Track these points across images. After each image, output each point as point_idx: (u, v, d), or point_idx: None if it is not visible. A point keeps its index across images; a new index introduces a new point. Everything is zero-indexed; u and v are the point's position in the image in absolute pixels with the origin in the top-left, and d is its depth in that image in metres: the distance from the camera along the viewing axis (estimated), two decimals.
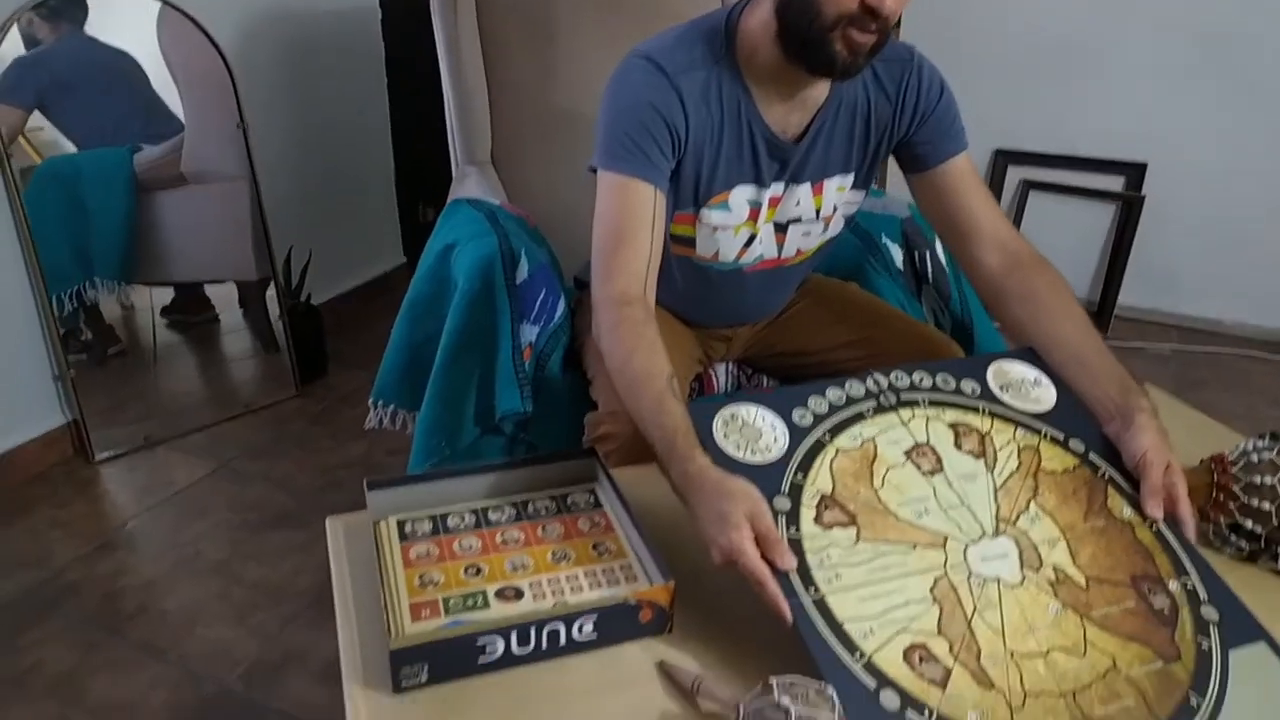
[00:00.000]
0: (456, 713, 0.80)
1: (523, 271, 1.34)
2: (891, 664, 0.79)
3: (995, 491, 0.95)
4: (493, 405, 1.30)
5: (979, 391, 1.05)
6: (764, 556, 0.83)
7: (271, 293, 2.45)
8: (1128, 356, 2.69)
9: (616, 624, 0.86)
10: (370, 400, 1.51)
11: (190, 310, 3.07)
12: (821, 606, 0.82)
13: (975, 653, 0.81)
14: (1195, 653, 0.84)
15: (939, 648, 0.81)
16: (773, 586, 0.82)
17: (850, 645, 0.80)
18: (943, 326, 1.55)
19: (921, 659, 0.80)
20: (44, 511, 1.83)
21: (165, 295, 2.87)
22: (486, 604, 0.90)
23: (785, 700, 0.70)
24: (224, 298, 2.68)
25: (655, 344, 0.99)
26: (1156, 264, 2.85)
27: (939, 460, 0.97)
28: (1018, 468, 0.98)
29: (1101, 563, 0.91)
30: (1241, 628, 0.87)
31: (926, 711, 0.76)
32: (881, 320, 1.40)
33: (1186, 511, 0.95)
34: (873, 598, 0.84)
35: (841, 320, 1.40)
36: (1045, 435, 1.02)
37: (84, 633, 1.49)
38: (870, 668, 0.78)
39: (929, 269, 1.54)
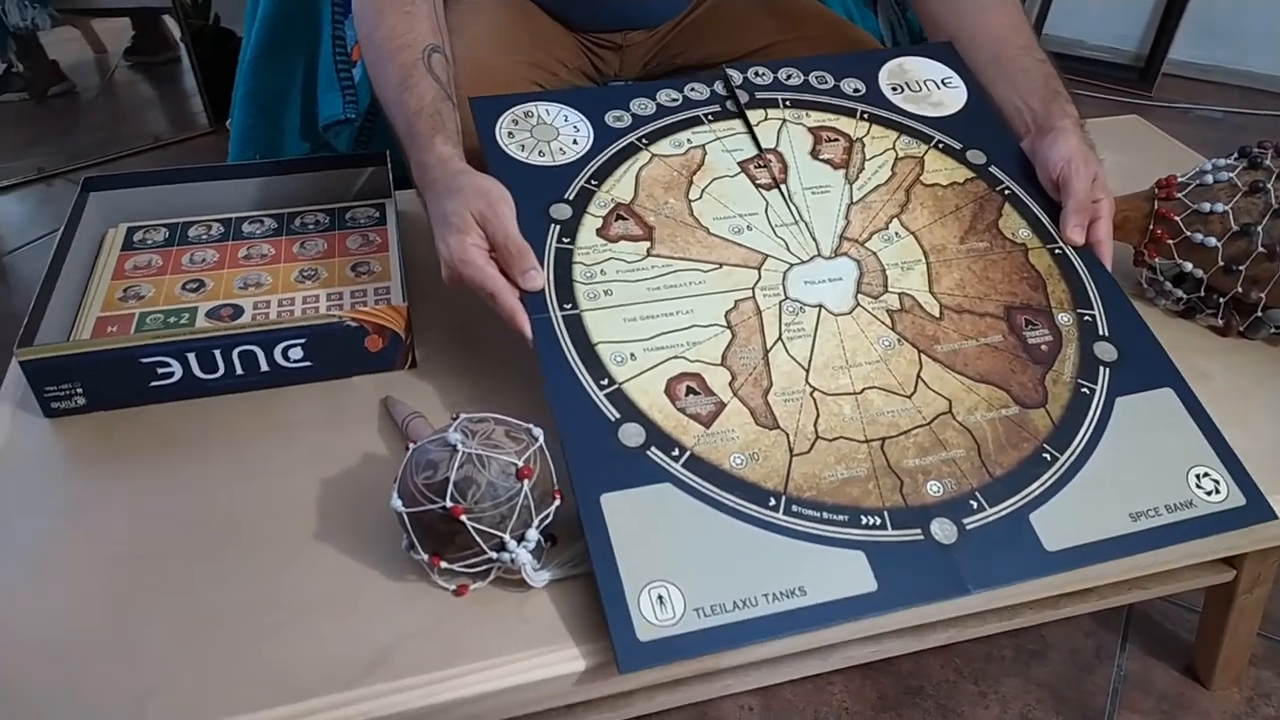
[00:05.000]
0: (115, 442, 0.65)
1: None
2: (645, 394, 0.61)
3: (849, 206, 0.73)
4: (317, 114, 1.09)
5: (862, 92, 0.81)
6: (505, 270, 0.65)
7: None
8: (1170, 119, 2.33)
9: (336, 351, 0.69)
10: (228, 121, 1.30)
11: (151, 50, 2.88)
12: (573, 324, 0.64)
13: (764, 388, 0.63)
14: (1070, 398, 0.65)
15: (717, 379, 0.63)
16: (508, 299, 0.63)
17: (599, 370, 0.62)
18: (899, 42, 1.27)
19: (690, 391, 0.62)
20: None
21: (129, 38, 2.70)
22: (191, 324, 0.73)
23: (455, 437, 0.53)
24: None
25: (417, 6, 0.75)
26: (1222, 11, 2.41)
27: (785, 169, 0.75)
28: (888, 179, 0.75)
29: (969, 290, 0.70)
30: (1145, 370, 0.67)
31: (677, 450, 0.59)
32: (803, 21, 1.12)
33: (1106, 232, 0.73)
34: (645, 318, 0.65)
35: (756, 23, 1.13)
36: (936, 144, 0.78)
37: None
38: (617, 398, 0.61)
39: None
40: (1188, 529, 0.61)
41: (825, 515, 0.58)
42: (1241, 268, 0.73)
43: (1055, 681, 1.02)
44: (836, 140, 0.77)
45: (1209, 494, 0.62)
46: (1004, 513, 0.60)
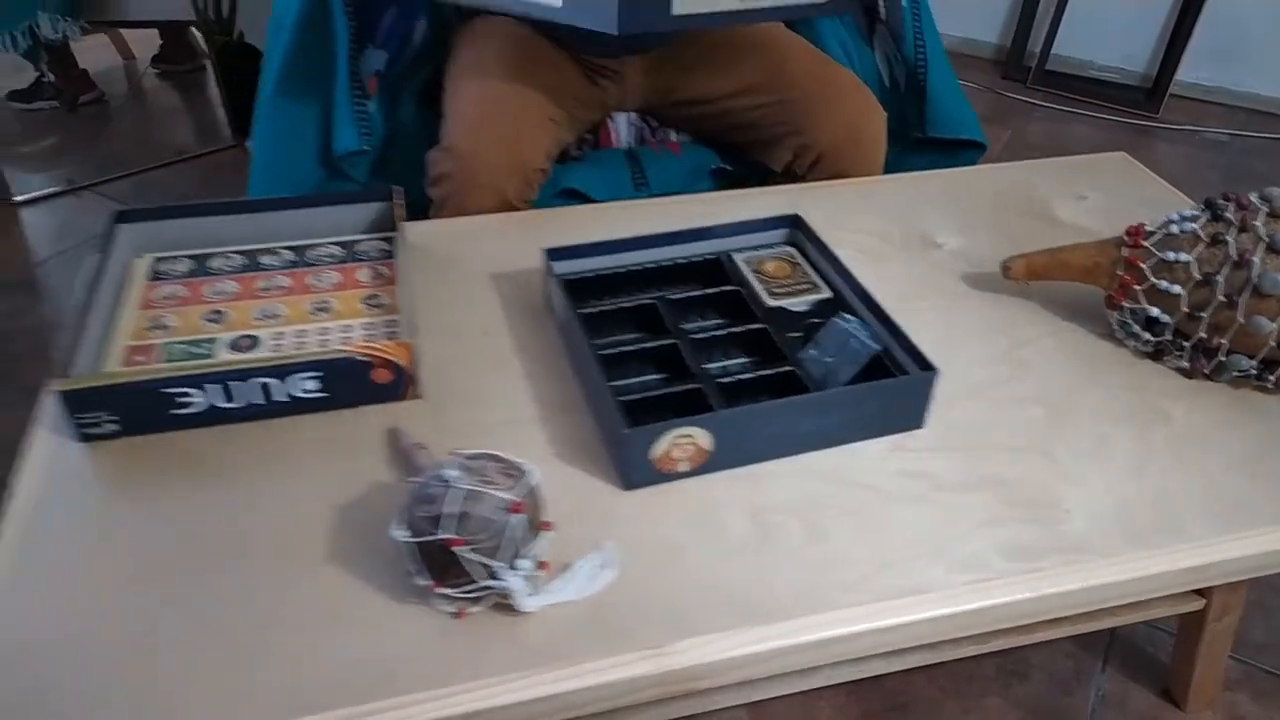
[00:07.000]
0: (143, 467, 0.70)
1: None
2: None
3: None
4: (332, 144, 1.14)
5: None
6: None
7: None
8: (1177, 141, 2.36)
9: (347, 383, 0.74)
10: (247, 143, 1.36)
11: (178, 60, 2.95)
12: None
13: None
14: None
15: None
16: None
17: None
18: (896, 77, 1.31)
19: None
20: None
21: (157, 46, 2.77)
22: (212, 353, 0.78)
23: (451, 472, 0.58)
24: None
25: None
26: (1228, 33, 2.43)
27: None
28: None
29: None
30: None
31: None
32: (790, 57, 1.16)
33: None
34: None
35: (745, 61, 1.17)
36: None
37: None
38: None
39: (881, 2, 1.27)
40: None
41: None
42: (1204, 314, 0.77)
43: (1035, 701, 1.06)
44: None
45: None
46: None
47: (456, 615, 0.60)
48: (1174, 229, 0.79)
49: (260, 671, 0.57)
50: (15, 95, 2.47)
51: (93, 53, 3.00)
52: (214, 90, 2.59)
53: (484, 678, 0.56)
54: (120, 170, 2.07)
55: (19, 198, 1.94)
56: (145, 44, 2.96)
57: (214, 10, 2.16)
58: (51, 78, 2.71)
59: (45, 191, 1.98)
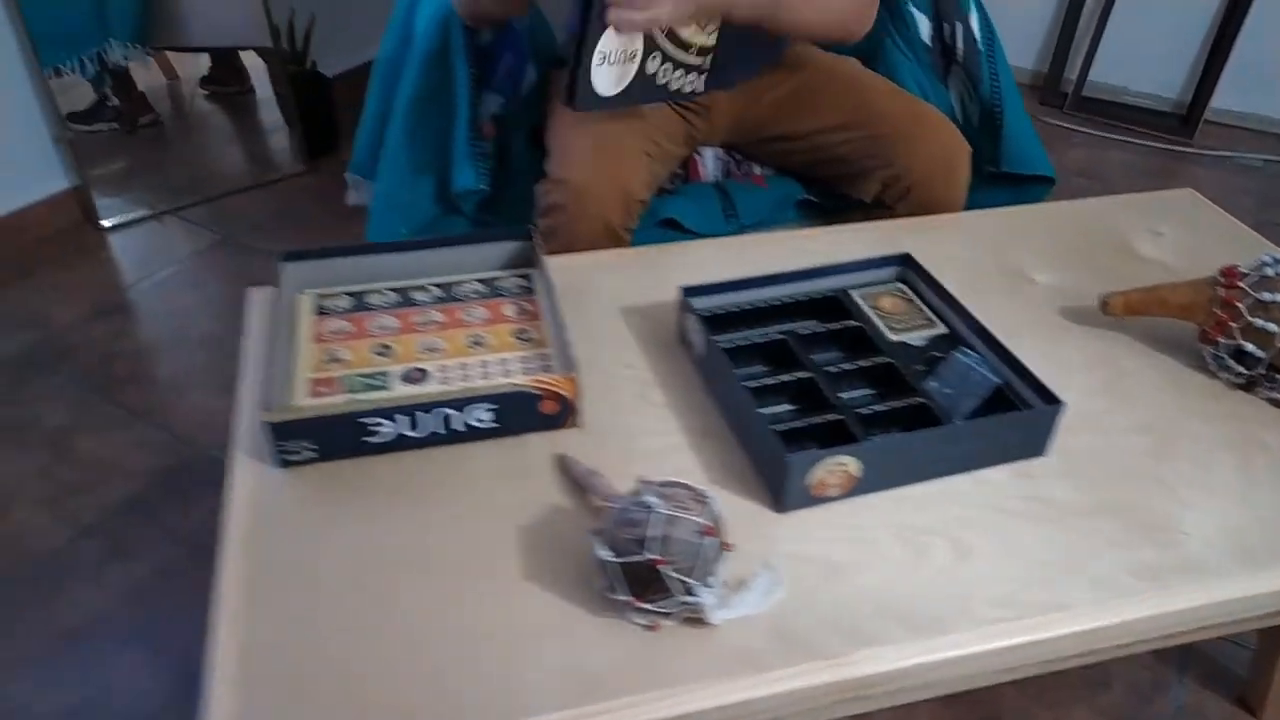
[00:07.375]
0: (341, 490, 0.77)
1: (486, 33, 1.20)
2: None
3: None
4: (449, 181, 1.21)
5: None
6: None
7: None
8: (1211, 166, 2.42)
9: (517, 413, 0.81)
10: (347, 174, 1.43)
11: (226, 81, 3.01)
12: None
13: None
14: None
15: None
16: None
17: None
18: (969, 115, 1.38)
19: None
20: (48, 274, 1.85)
21: (205, 67, 2.82)
22: (387, 385, 0.85)
23: (651, 498, 0.65)
24: (261, 69, 2.59)
25: None
26: (1262, 60, 2.50)
27: None
28: None
29: None
30: None
31: None
32: (875, 97, 1.23)
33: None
34: None
35: (832, 102, 1.24)
36: None
37: (78, 393, 1.54)
38: None
39: (959, 45, 1.34)
40: None
41: None
42: None
43: (1118, 710, 1.12)
44: None
45: None
46: None
47: (650, 628, 0.66)
48: (1268, 271, 0.85)
49: (473, 678, 0.63)
50: (75, 117, 2.55)
51: (139, 72, 3.07)
52: (265, 114, 2.66)
53: (684, 684, 0.63)
54: (193, 194, 2.15)
55: (106, 222, 2.02)
56: (189, 64, 3.03)
57: (288, 39, 2.25)
58: (116, 101, 2.78)
59: (131, 216, 2.05)
